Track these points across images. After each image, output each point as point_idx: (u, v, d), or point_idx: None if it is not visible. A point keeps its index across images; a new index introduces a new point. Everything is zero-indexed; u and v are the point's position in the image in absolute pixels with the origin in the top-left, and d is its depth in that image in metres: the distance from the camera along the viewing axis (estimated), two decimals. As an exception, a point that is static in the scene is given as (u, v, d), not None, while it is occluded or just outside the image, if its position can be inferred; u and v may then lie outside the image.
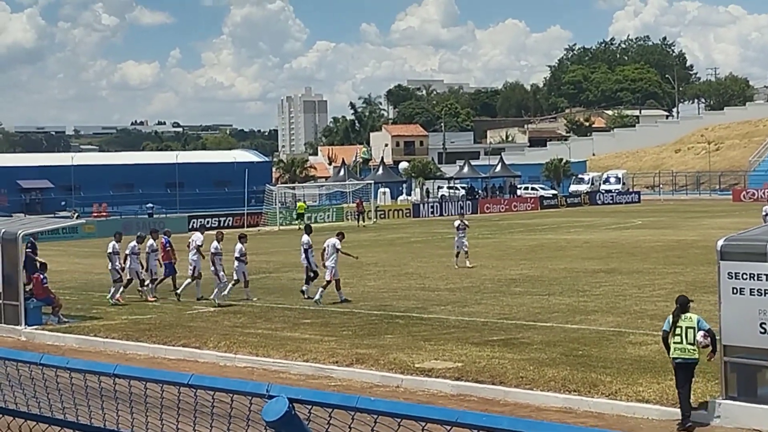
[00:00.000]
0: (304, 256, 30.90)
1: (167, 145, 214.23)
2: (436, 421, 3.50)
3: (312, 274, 30.85)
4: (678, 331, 15.78)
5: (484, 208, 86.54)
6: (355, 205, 76.36)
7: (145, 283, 32.09)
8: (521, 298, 28.78)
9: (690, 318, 15.78)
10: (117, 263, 31.08)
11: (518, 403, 17.00)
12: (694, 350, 15.68)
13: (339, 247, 29.57)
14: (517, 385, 17.76)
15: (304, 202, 79.71)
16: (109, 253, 31.22)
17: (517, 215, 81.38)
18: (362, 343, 22.12)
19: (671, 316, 16.08)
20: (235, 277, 30.64)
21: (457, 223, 39.39)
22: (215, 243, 30.43)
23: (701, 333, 15.64)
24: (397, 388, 18.49)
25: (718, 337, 15.72)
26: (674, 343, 15.84)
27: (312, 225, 39.87)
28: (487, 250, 43.87)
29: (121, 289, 30.80)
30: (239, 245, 30.73)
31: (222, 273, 29.92)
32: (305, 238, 31.24)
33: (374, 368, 19.68)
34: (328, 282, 29.38)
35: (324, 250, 29.78)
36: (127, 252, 31.74)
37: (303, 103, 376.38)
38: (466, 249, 38.27)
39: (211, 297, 29.78)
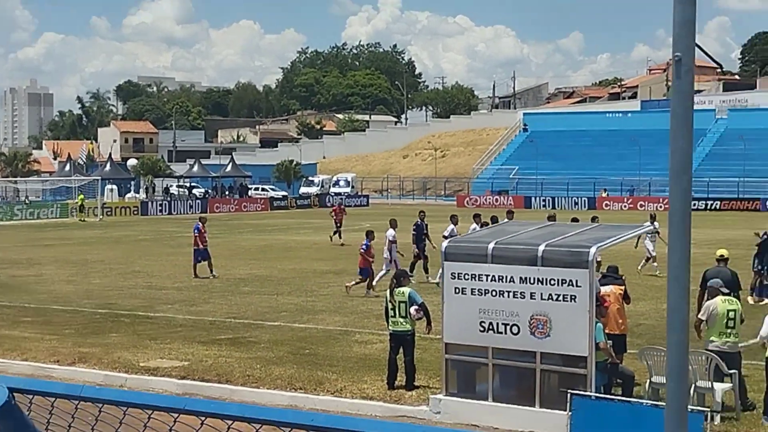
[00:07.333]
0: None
1: None
2: (163, 409, 3.45)
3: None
4: (391, 305, 16.78)
5: (213, 208, 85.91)
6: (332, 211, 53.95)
7: None
8: (250, 298, 28.80)
9: (402, 293, 16.82)
10: None
11: (244, 401, 16.95)
12: (405, 323, 16.96)
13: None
14: (244, 383, 17.76)
15: (82, 193, 79.61)
16: None
17: (247, 215, 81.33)
18: (85, 342, 21.57)
19: (389, 291, 17.28)
20: None
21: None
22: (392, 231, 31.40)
23: (414, 307, 16.67)
24: (121, 387, 18.12)
25: (439, 336, 16.24)
26: (390, 316, 17.11)
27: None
28: (216, 249, 43.46)
29: None
30: (451, 226, 31.97)
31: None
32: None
33: (97, 367, 19.23)
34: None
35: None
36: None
37: (28, 95, 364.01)
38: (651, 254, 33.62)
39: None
